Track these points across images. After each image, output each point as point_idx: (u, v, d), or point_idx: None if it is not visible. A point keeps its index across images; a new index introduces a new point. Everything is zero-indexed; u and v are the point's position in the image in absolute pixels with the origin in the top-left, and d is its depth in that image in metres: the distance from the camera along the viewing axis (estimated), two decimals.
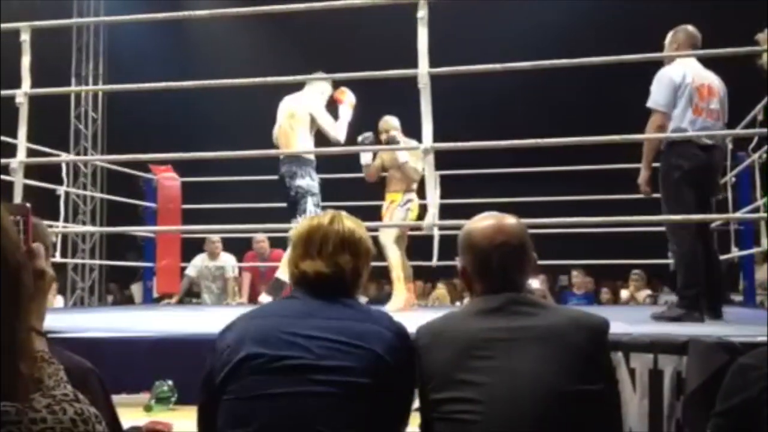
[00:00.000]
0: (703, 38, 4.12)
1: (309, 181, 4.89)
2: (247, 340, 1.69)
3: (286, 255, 4.83)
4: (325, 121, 4.97)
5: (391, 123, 5.43)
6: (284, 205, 5.07)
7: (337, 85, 5.15)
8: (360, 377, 1.64)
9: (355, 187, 5.89)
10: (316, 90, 5.09)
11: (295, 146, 4.93)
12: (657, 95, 3.94)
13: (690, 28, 4.11)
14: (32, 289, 0.98)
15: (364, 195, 5.99)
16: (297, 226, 1.91)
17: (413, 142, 5.11)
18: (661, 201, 4.02)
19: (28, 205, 1.10)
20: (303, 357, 1.64)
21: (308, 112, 4.97)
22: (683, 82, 3.92)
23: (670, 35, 4.16)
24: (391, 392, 1.70)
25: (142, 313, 5.49)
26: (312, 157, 5.00)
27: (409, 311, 4.98)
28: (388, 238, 5.21)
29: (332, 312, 1.75)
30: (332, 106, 5.14)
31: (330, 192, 5.45)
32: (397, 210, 5.36)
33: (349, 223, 1.87)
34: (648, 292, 8.03)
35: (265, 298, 4.77)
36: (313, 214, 4.70)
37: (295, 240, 1.87)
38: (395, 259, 5.21)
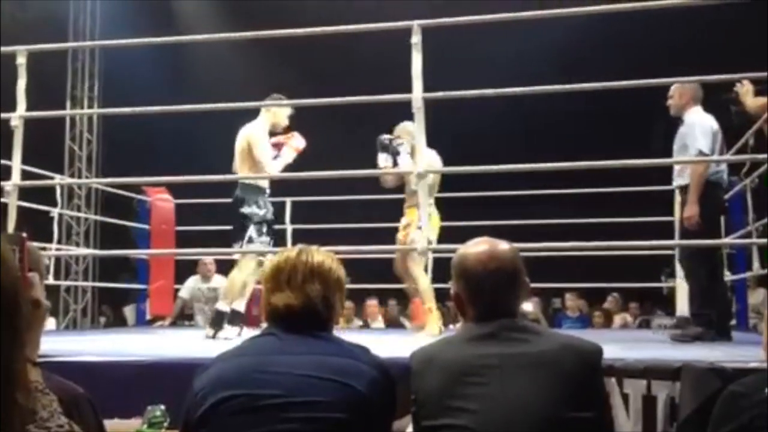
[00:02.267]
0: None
1: (255, 209, 4.87)
2: (221, 382, 1.69)
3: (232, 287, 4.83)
4: (261, 153, 4.89)
5: (406, 129, 4.91)
6: (278, 227, 5.07)
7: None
8: (336, 412, 1.63)
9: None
10: (267, 117, 5.02)
11: (243, 173, 4.93)
12: (705, 140, 4.27)
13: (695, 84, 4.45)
14: (29, 319, 0.98)
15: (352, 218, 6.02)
16: (267, 263, 1.92)
17: (433, 153, 4.90)
18: (689, 231, 4.24)
19: (23, 234, 1.10)
20: (277, 395, 1.64)
21: (248, 141, 4.92)
22: (717, 130, 4.34)
23: (676, 87, 4.44)
24: (370, 427, 1.68)
25: (134, 336, 5.47)
26: (264, 184, 4.97)
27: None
28: (416, 266, 5.00)
29: (308, 347, 1.74)
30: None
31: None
32: (416, 233, 4.94)
33: (318, 255, 1.86)
34: (627, 315, 8.04)
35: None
36: (255, 241, 4.76)
37: (266, 276, 1.87)
38: (427, 289, 4.98)
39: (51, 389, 1.09)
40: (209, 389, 1.69)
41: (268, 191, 5.02)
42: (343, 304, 1.93)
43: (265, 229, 4.89)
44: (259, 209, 4.90)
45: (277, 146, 5.03)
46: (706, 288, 4.27)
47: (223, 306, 4.91)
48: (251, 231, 4.82)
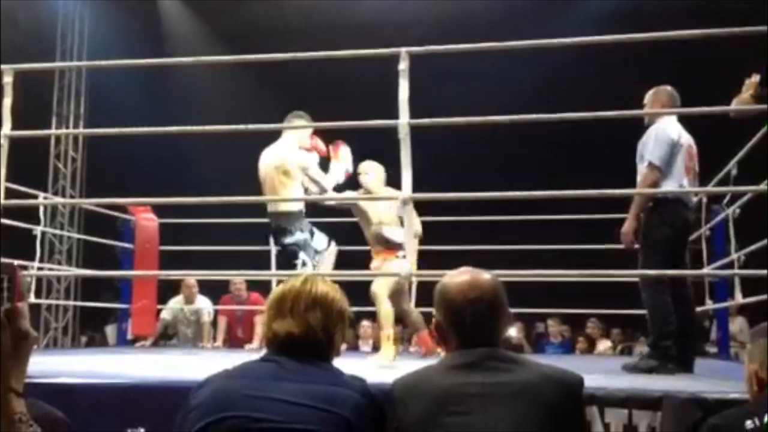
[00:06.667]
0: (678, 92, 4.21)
1: (299, 235, 4.83)
2: (216, 402, 1.71)
3: None
4: (318, 174, 4.92)
5: (364, 167, 5.30)
6: (263, 248, 5.05)
7: (328, 138, 5.11)
8: None
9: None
10: (295, 138, 4.96)
11: (286, 203, 4.88)
12: (658, 151, 3.99)
13: (669, 88, 4.21)
14: (9, 349, 0.97)
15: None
16: (272, 291, 1.94)
17: (392, 191, 5.07)
18: (639, 253, 4.06)
19: (15, 263, 1.09)
20: (272, 420, 1.66)
21: (301, 168, 4.86)
22: (679, 141, 4.02)
23: (650, 94, 4.23)
24: None
25: (115, 356, 5.42)
26: (300, 207, 4.92)
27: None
28: (381, 288, 4.94)
29: (304, 375, 1.76)
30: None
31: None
32: (396, 261, 5.06)
33: (323, 285, 1.90)
34: (608, 342, 8.05)
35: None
36: (308, 264, 4.70)
37: (269, 303, 1.90)
38: (386, 315, 4.93)
39: (32, 415, 1.08)
40: (205, 408, 1.71)
41: (304, 212, 4.95)
42: (344, 336, 1.96)
43: (311, 253, 4.85)
44: (302, 233, 4.85)
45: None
46: (661, 317, 3.94)
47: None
48: (303, 256, 4.78)
